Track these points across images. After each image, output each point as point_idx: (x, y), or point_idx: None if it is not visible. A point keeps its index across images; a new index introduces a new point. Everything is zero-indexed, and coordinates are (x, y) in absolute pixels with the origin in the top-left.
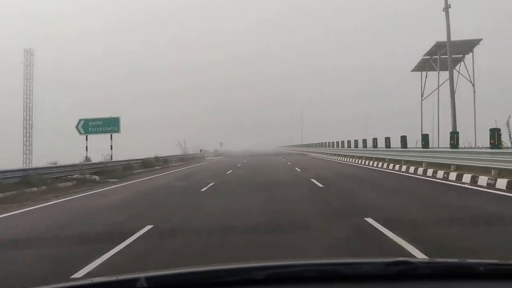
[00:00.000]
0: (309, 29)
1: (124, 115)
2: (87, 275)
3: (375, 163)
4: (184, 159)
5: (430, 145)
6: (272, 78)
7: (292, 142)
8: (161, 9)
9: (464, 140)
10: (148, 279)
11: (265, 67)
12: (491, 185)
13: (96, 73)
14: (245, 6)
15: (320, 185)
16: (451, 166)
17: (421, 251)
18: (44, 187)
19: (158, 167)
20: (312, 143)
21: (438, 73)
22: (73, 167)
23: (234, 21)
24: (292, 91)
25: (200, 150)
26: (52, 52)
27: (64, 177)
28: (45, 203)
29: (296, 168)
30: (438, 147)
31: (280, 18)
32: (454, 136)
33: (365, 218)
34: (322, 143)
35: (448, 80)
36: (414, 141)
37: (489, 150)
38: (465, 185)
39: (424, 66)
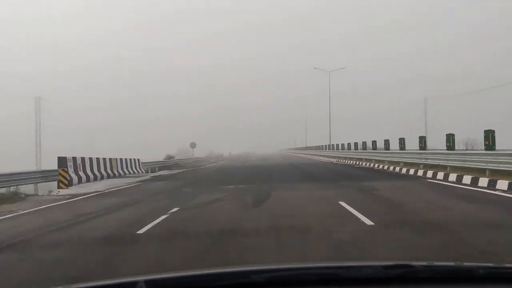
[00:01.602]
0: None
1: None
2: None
3: None
4: None
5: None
6: (273, 78)
7: (307, 144)
8: (158, 17)
9: None
10: (147, 282)
11: (266, 67)
12: None
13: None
14: (246, 9)
15: None
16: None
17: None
18: None
19: None
20: (356, 145)
21: None
22: None
23: (234, 22)
24: (295, 91)
25: (69, 160)
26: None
27: None
28: None
29: None
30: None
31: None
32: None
33: None
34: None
35: None
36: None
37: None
38: None
39: None
